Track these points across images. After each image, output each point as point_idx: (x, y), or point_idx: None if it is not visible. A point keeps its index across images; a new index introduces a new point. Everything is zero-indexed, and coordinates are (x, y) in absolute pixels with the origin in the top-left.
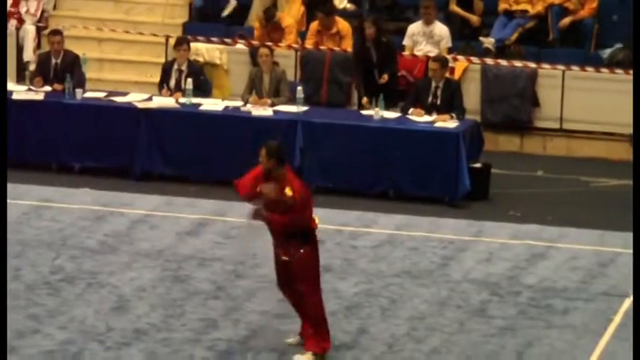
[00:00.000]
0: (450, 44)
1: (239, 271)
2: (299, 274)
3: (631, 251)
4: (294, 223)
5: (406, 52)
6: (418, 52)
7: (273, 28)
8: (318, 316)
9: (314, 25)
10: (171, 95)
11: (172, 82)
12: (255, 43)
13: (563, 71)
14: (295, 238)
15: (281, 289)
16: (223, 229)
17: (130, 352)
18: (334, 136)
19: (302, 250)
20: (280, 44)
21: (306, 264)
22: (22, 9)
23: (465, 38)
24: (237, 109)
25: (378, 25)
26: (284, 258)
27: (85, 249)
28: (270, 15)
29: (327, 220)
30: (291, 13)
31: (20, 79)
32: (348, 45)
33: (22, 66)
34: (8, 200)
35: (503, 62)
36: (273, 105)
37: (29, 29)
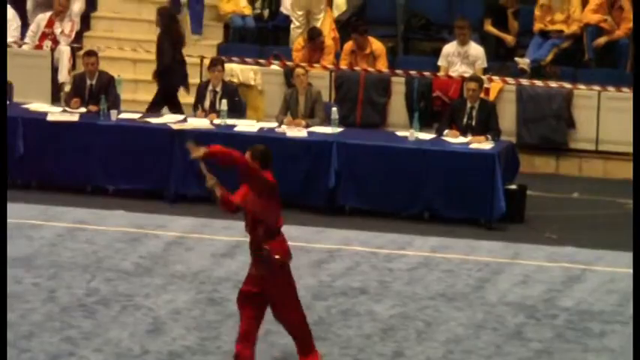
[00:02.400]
0: (485, 65)
1: None
2: None
3: None
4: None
5: (441, 73)
6: (453, 73)
7: (314, 47)
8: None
9: (348, 45)
10: (205, 116)
11: (207, 103)
12: (289, 63)
13: (599, 92)
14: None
15: None
16: None
17: None
18: (369, 158)
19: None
20: (316, 65)
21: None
22: (57, 30)
23: (500, 59)
24: (271, 130)
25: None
26: None
27: (120, 271)
28: (315, 34)
29: (362, 242)
30: (329, 35)
31: (55, 100)
32: (382, 65)
33: (56, 87)
34: (42, 222)
35: (539, 83)
36: (307, 126)
37: (64, 50)
